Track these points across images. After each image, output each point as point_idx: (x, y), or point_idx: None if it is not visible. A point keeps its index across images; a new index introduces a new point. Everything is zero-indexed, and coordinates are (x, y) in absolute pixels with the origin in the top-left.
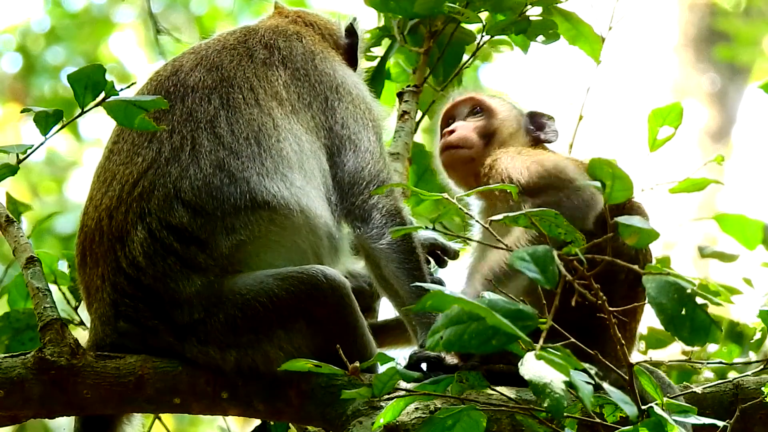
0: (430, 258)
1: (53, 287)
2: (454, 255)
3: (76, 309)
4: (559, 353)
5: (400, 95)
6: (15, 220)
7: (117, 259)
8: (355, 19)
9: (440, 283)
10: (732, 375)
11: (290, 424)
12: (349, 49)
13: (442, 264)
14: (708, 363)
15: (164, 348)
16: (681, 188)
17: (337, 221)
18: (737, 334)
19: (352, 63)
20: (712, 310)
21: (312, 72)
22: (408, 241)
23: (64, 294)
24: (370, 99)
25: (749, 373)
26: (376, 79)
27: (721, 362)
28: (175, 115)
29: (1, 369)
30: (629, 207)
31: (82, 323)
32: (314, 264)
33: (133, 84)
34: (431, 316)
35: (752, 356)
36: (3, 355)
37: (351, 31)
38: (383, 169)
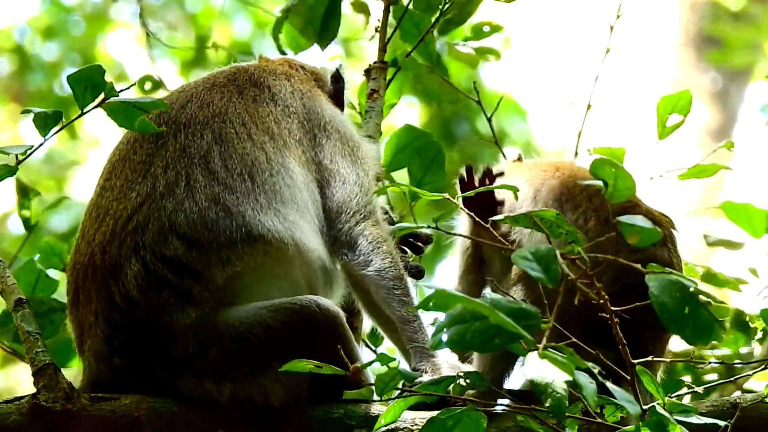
0: (405, 248)
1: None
2: (427, 239)
3: None
4: (562, 353)
5: (367, 72)
6: (2, 260)
7: (110, 293)
8: (341, 65)
9: (420, 270)
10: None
11: None
12: (336, 93)
13: (417, 251)
14: (710, 363)
15: (159, 383)
16: (691, 174)
17: (329, 253)
18: (743, 324)
19: (339, 105)
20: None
21: (301, 110)
22: (396, 267)
23: None
24: (359, 138)
25: (750, 373)
26: (330, 17)
27: (723, 363)
28: (168, 151)
29: None
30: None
31: None
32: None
33: (133, 85)
34: (424, 340)
35: (757, 349)
36: None
37: (337, 76)
38: (371, 202)
